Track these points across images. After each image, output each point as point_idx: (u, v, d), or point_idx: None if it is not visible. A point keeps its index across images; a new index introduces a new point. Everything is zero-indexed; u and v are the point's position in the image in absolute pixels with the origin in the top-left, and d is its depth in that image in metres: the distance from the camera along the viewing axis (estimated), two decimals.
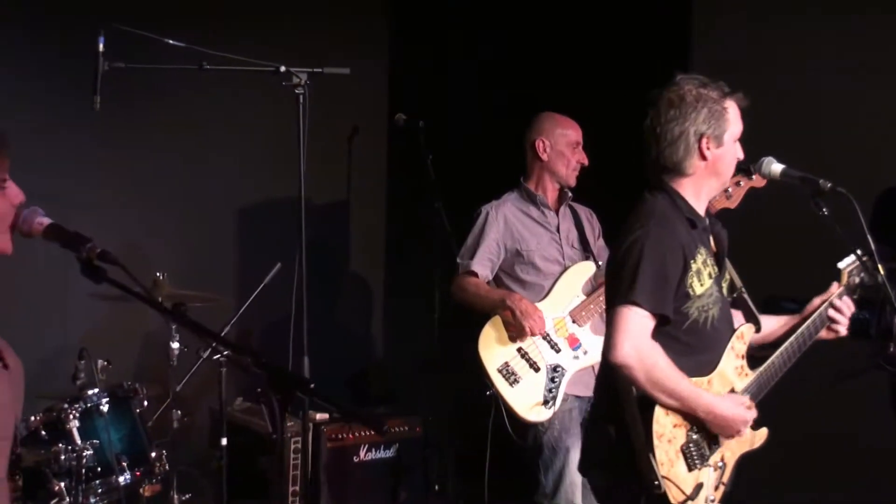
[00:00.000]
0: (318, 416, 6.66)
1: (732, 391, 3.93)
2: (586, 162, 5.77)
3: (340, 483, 6.58)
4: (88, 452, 4.76)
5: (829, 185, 3.90)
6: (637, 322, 3.69)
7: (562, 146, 5.74)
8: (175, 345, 5.38)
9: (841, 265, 4.15)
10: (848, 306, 4.13)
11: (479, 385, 5.61)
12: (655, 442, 3.71)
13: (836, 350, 4.32)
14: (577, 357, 5.61)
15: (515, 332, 5.54)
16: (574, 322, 5.63)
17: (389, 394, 8.03)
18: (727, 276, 4.02)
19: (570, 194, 5.82)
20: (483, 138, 7.71)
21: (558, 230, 5.77)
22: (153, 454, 5.06)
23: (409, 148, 7.01)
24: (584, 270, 5.71)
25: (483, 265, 5.68)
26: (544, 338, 5.58)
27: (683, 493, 3.75)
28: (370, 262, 8.21)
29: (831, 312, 4.12)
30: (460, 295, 5.73)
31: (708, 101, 3.86)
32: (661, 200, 3.86)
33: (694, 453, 3.80)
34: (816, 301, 4.17)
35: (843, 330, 4.15)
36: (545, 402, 5.51)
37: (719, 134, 3.86)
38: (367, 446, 6.83)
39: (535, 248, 5.69)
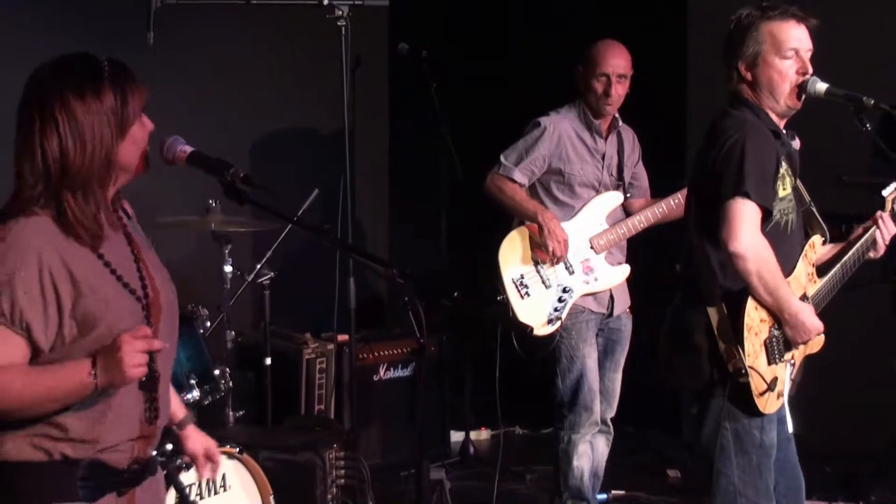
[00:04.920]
0: (340, 337, 6.93)
1: (805, 295, 4.23)
2: (612, 96, 5.71)
3: (362, 401, 6.82)
4: None
5: (871, 101, 4.12)
6: (751, 214, 3.97)
7: (590, 77, 5.74)
8: (228, 268, 5.56)
9: (885, 192, 4.41)
10: (889, 229, 4.39)
11: (483, 300, 5.83)
12: (745, 333, 4.00)
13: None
14: (587, 282, 5.79)
15: (537, 248, 5.72)
16: (591, 248, 5.81)
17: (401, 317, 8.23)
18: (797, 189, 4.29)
19: (619, 121, 5.90)
20: (487, 68, 7.91)
21: (603, 157, 5.87)
22: (216, 372, 5.23)
23: (412, 78, 7.18)
24: (612, 200, 5.88)
25: (524, 174, 5.76)
26: (561, 260, 5.74)
27: (765, 382, 4.05)
28: (375, 188, 8.35)
29: (878, 233, 4.39)
30: (495, 194, 5.79)
31: (741, 28, 4.14)
32: (747, 113, 4.13)
33: (775, 348, 4.10)
34: (860, 229, 4.45)
35: (882, 249, 4.41)
36: (549, 321, 5.73)
37: (754, 55, 4.11)
38: (385, 365, 7.10)
39: (577, 173, 5.79)
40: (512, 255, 5.78)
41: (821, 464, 6.55)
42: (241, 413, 5.58)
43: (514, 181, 5.78)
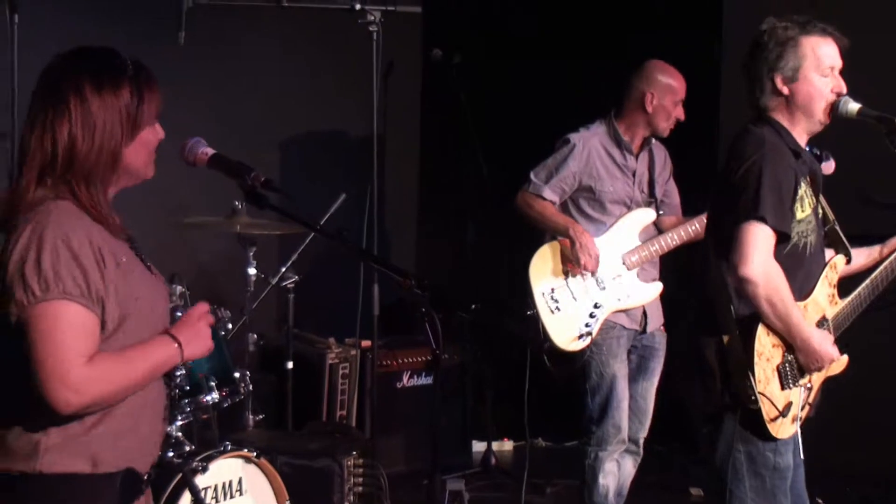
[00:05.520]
0: (364, 342, 6.90)
1: (824, 318, 4.16)
2: (683, 118, 5.76)
3: (384, 407, 6.80)
4: (181, 372, 4.82)
5: None
6: (764, 239, 3.89)
7: (667, 102, 5.71)
8: (252, 271, 5.55)
9: None
10: None
11: (518, 310, 5.74)
12: (755, 359, 3.93)
13: None
14: (619, 299, 5.73)
15: (569, 262, 5.67)
16: (623, 265, 5.76)
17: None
18: (820, 210, 4.21)
19: (652, 139, 5.86)
20: (519, 76, 7.87)
21: (634, 174, 5.83)
22: (237, 374, 5.19)
23: (444, 84, 7.16)
24: (645, 217, 5.83)
25: (555, 192, 5.73)
26: (593, 274, 5.70)
27: (777, 409, 3.97)
28: (404, 194, 8.31)
29: None
30: (526, 210, 5.77)
31: (781, 39, 4.05)
32: (768, 132, 4.05)
33: (788, 373, 4.03)
34: (889, 248, 4.40)
35: None
36: (580, 336, 5.68)
37: (793, 68, 4.03)
38: (409, 373, 7.08)
39: (607, 190, 5.75)
40: (543, 269, 5.72)
41: (841, 483, 6.51)
42: (260, 417, 5.55)
43: (545, 199, 5.74)
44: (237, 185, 3.25)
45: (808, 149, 4.76)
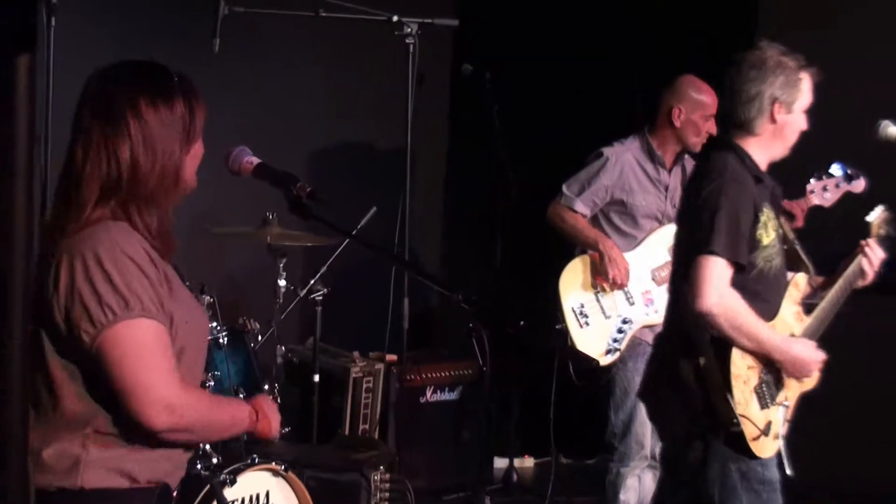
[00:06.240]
0: (388, 356, 6.86)
1: (792, 335, 4.17)
2: (714, 132, 5.66)
3: (408, 422, 6.75)
4: (210, 384, 4.80)
5: None
6: (718, 271, 3.90)
7: (696, 116, 5.74)
8: (282, 282, 5.52)
9: (870, 218, 4.44)
10: (877, 255, 4.39)
11: (543, 329, 5.73)
12: (733, 382, 3.93)
13: None
14: (647, 314, 5.77)
15: (598, 276, 5.71)
16: (653, 280, 5.79)
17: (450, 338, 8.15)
18: (780, 231, 4.23)
19: (685, 154, 5.88)
20: (550, 92, 7.83)
21: (666, 189, 5.85)
22: (265, 387, 5.16)
23: (475, 99, 7.12)
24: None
25: (586, 205, 5.78)
26: (622, 289, 5.74)
27: (758, 429, 3.99)
28: (431, 208, 8.28)
29: (864, 260, 4.37)
30: (557, 222, 5.83)
31: (786, 68, 4.09)
32: (730, 158, 4.06)
33: (765, 393, 4.04)
34: (846, 261, 4.41)
35: (870, 275, 4.40)
36: (608, 351, 5.69)
37: (791, 101, 4.08)
38: (432, 388, 7.02)
39: (639, 204, 5.78)
40: (573, 283, 5.75)
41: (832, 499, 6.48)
42: (286, 430, 5.51)
43: (576, 211, 5.77)
44: (282, 194, 3.20)
45: (840, 166, 4.80)
